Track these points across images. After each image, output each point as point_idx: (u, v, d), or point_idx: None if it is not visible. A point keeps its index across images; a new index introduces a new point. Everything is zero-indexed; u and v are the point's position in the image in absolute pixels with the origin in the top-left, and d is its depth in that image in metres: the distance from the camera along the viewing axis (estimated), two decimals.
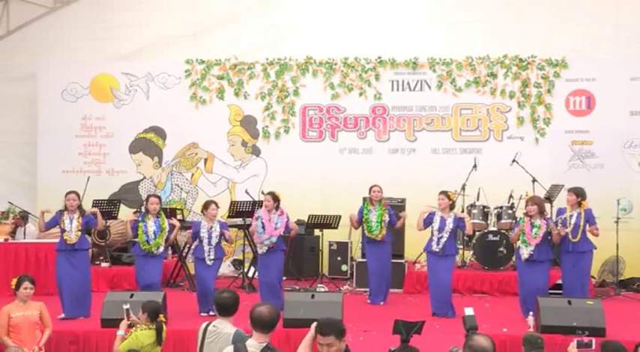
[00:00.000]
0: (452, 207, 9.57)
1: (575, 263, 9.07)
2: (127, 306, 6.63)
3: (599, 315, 7.84)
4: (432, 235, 9.39)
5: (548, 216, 9.26)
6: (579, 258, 9.08)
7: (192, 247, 10.07)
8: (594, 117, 12.62)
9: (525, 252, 8.89)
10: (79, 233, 8.88)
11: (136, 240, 9.38)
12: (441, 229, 9.30)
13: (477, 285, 10.94)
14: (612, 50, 12.58)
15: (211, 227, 9.32)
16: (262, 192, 11.93)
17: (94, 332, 8.10)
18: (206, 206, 9.47)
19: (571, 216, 9.06)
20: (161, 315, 6.49)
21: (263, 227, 9.38)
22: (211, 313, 9.02)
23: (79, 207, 9.03)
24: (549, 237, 8.94)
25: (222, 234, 9.33)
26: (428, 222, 9.47)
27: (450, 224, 9.30)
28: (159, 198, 9.63)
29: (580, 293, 8.96)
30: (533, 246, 8.83)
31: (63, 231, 8.89)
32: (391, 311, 9.04)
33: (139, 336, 6.28)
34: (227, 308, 5.53)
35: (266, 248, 9.40)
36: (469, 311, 5.48)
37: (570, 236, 8.99)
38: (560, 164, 12.53)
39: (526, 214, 9.03)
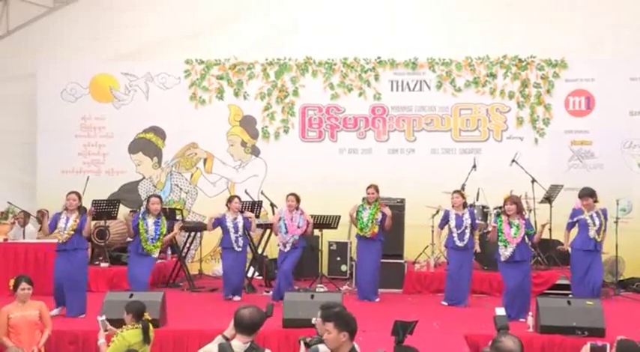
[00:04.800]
0: (465, 204, 10.16)
1: (592, 261, 9.10)
2: (103, 318, 6.61)
3: (599, 315, 7.84)
4: (452, 232, 9.97)
5: (527, 215, 9.41)
6: (596, 256, 9.12)
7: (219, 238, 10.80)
8: (594, 118, 12.64)
9: (506, 253, 8.89)
10: (72, 232, 8.88)
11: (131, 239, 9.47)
12: (459, 225, 9.95)
13: (476, 285, 10.91)
14: (612, 50, 12.61)
15: (235, 219, 10.22)
16: (262, 192, 12.00)
17: (94, 332, 7.99)
18: (230, 200, 10.42)
19: (591, 217, 9.10)
20: (146, 314, 6.47)
21: (285, 227, 10.11)
22: (236, 298, 10.12)
23: (79, 207, 9.03)
24: (526, 237, 9.00)
25: (245, 225, 10.28)
26: (444, 221, 10.15)
27: (467, 220, 9.94)
28: (160, 198, 9.73)
29: (593, 291, 9.08)
30: (514, 246, 8.85)
31: (58, 230, 8.92)
32: (390, 310, 9.03)
33: (125, 336, 6.25)
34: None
35: (290, 246, 10.10)
36: (500, 311, 5.45)
37: (596, 236, 9.05)
38: (559, 164, 12.55)
39: (504, 213, 9.06)
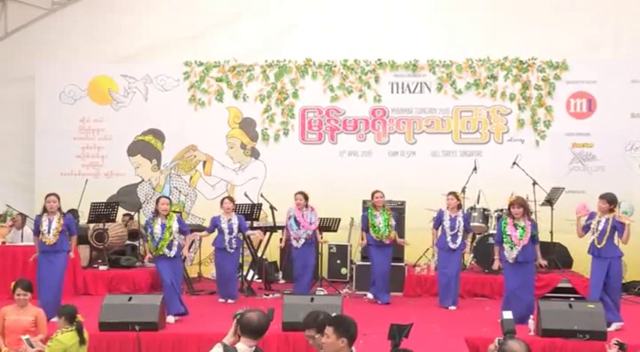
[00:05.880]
0: (459, 206, 10.23)
1: (602, 268, 8.97)
2: (27, 336, 6.55)
3: (600, 319, 7.80)
4: (444, 233, 10.01)
5: (532, 216, 9.37)
6: (606, 264, 8.97)
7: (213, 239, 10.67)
8: (595, 120, 12.60)
9: (512, 255, 8.83)
10: (58, 234, 8.90)
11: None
12: (452, 227, 10.00)
13: (477, 288, 10.90)
14: (613, 52, 12.58)
15: (229, 220, 10.19)
16: (261, 195, 11.94)
17: (93, 336, 7.95)
18: (221, 201, 10.45)
19: (599, 222, 8.99)
20: (78, 316, 6.37)
21: (297, 224, 10.37)
22: (229, 301, 10.09)
23: (59, 209, 9.06)
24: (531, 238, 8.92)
25: (241, 226, 10.26)
26: (438, 221, 10.16)
27: (460, 222, 10.00)
28: (169, 199, 9.64)
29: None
30: (520, 248, 8.79)
31: (41, 232, 8.94)
32: (391, 314, 9.00)
33: (61, 339, 6.18)
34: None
35: (303, 241, 10.39)
36: (507, 315, 5.41)
37: (596, 241, 8.95)
38: (560, 166, 12.51)
39: (509, 215, 8.99)
